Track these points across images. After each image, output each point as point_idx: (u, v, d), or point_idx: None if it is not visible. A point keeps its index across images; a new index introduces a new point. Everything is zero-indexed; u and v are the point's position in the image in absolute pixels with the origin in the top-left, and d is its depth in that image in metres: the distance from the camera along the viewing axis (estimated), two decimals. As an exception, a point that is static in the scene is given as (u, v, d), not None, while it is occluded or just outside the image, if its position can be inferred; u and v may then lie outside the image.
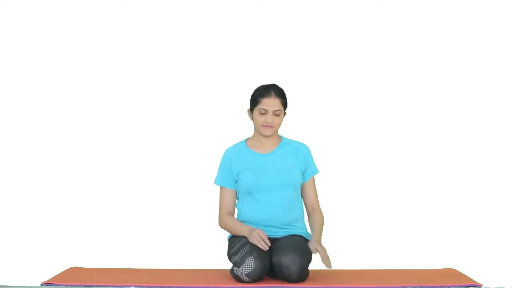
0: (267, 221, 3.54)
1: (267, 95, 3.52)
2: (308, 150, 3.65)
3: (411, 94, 4.72)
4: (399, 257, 4.19)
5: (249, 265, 3.33)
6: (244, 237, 3.46)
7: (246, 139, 3.65)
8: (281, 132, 3.64)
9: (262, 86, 3.58)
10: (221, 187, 3.60)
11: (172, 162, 4.66)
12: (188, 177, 4.60)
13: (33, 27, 4.69)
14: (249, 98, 3.59)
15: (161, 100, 4.71)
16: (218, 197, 3.61)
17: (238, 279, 3.38)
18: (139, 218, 4.57)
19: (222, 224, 3.59)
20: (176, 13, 4.74)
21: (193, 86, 4.73)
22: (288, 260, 3.35)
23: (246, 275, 3.33)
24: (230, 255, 3.50)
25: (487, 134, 4.67)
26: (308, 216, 3.64)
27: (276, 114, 3.52)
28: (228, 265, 3.53)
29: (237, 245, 3.45)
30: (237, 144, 3.65)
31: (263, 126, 3.53)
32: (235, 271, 3.37)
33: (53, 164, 4.65)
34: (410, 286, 3.26)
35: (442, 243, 4.48)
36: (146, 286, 3.26)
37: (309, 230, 3.61)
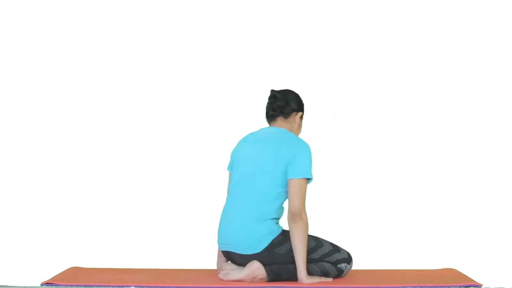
0: None
1: None
2: None
3: (411, 94, 4.72)
4: (399, 257, 4.19)
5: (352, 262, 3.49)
6: (321, 239, 3.46)
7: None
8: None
9: None
10: (310, 181, 3.39)
11: (172, 162, 4.67)
12: (188, 177, 4.61)
13: (33, 27, 4.69)
14: (298, 102, 3.49)
15: (160, 100, 4.72)
16: (303, 189, 3.29)
17: (338, 274, 3.42)
18: (139, 218, 4.57)
19: (305, 220, 3.30)
20: (176, 13, 4.74)
21: (192, 86, 4.73)
22: None
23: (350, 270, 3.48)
24: (326, 254, 3.41)
25: (487, 135, 4.67)
26: None
27: None
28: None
29: (327, 244, 3.44)
30: None
31: None
32: (343, 267, 3.43)
33: (53, 164, 4.66)
34: (410, 286, 3.26)
35: (442, 243, 4.48)
36: (146, 286, 3.25)
37: None
